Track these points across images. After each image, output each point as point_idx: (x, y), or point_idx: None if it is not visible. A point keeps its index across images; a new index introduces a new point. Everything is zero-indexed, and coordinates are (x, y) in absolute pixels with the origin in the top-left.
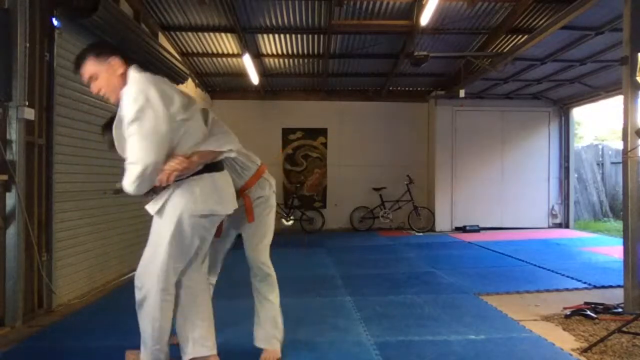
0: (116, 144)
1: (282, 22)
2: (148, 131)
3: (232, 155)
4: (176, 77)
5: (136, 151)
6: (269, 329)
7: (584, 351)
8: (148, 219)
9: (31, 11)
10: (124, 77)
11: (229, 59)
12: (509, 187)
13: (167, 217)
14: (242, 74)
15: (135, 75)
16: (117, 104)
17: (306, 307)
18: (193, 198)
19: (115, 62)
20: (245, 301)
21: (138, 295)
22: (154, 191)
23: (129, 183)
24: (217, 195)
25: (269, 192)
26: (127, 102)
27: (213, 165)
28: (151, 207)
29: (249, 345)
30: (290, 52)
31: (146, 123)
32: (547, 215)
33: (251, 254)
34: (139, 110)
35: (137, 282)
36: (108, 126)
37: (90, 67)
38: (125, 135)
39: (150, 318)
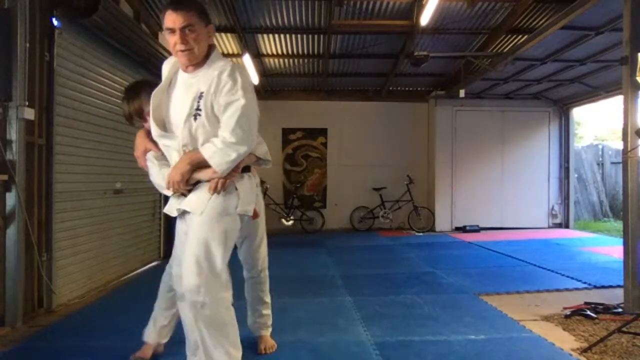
0: (176, 111)
1: (282, 22)
2: (255, 119)
3: (267, 161)
4: None
5: (241, 133)
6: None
7: (584, 351)
8: (148, 218)
9: (31, 11)
10: (209, 49)
11: (228, 59)
12: (509, 187)
13: (218, 216)
14: None
15: (225, 59)
16: (188, 65)
17: (306, 307)
18: (238, 198)
19: (211, 30)
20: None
21: (197, 303)
22: (188, 190)
23: (226, 162)
24: (252, 195)
25: (258, 190)
26: (236, 80)
27: (246, 166)
28: (195, 206)
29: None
30: (290, 52)
31: (254, 110)
32: (547, 215)
33: (254, 255)
34: (253, 95)
35: (193, 289)
36: (136, 91)
37: (193, 18)
38: (219, 110)
39: (224, 324)
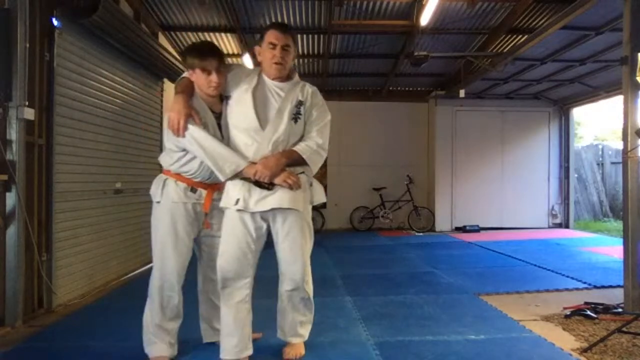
0: (277, 114)
1: (282, 22)
2: None
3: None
4: (176, 77)
5: (325, 141)
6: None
7: (584, 351)
8: (148, 218)
9: (31, 11)
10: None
11: (229, 59)
12: (509, 187)
13: (307, 210)
14: None
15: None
16: (277, 76)
17: None
18: (312, 192)
19: (295, 56)
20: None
21: (309, 290)
22: (266, 187)
23: (318, 161)
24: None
25: None
26: (322, 99)
27: None
28: (295, 202)
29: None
30: None
31: None
32: (547, 215)
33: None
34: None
35: (303, 278)
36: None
37: (291, 41)
38: (310, 119)
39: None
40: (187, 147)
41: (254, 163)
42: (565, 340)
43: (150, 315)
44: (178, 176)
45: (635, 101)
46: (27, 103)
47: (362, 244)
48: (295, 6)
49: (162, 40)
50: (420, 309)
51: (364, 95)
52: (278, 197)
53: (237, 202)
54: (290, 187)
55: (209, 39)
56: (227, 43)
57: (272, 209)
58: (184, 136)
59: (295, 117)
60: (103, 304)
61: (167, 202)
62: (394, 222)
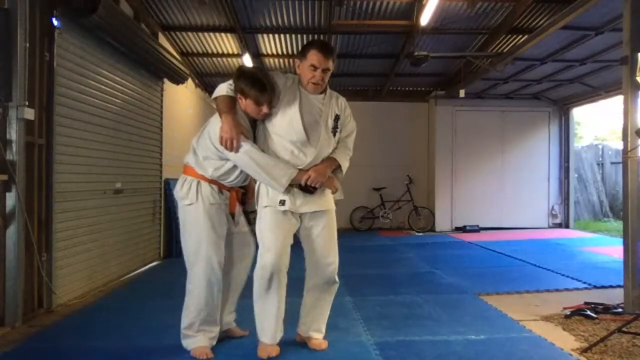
0: (324, 127)
1: (282, 22)
2: None
3: None
4: (176, 77)
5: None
6: None
7: (584, 351)
8: (148, 218)
9: (31, 11)
10: None
11: (229, 59)
12: (508, 187)
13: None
14: None
15: None
16: (314, 92)
17: None
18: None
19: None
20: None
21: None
22: (311, 191)
23: (346, 168)
24: None
25: None
26: (349, 110)
27: None
28: (330, 205)
29: None
30: (290, 52)
31: None
32: (547, 215)
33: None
34: None
35: (337, 269)
36: (272, 88)
37: (331, 64)
38: (341, 134)
39: None
40: (236, 162)
41: (301, 169)
42: (565, 340)
43: (197, 313)
44: (213, 181)
45: (635, 101)
46: (27, 103)
47: (362, 244)
48: (295, 6)
49: (162, 40)
50: (420, 309)
51: (364, 95)
52: (319, 200)
53: (282, 202)
54: (334, 192)
55: (209, 39)
56: (227, 43)
57: (314, 211)
58: (237, 152)
59: (334, 130)
60: (103, 304)
61: (205, 203)
62: (394, 222)
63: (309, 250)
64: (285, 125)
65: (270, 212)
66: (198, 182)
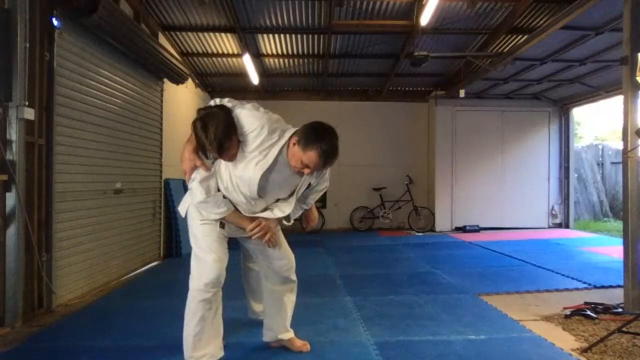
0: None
1: (282, 22)
2: None
3: None
4: (176, 77)
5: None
6: None
7: (584, 351)
8: (148, 218)
9: (31, 11)
10: None
11: (229, 59)
12: (509, 187)
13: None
14: (242, 74)
15: None
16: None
17: (306, 307)
18: None
19: None
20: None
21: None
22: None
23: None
24: None
25: None
26: (328, 171)
27: None
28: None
29: None
30: (290, 52)
31: None
32: (547, 215)
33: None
34: None
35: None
36: (229, 131)
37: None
38: (316, 189)
39: None
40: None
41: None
42: (565, 340)
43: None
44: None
45: (635, 101)
46: (27, 103)
47: (362, 244)
48: (295, 6)
49: (162, 40)
50: (420, 309)
51: (364, 95)
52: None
53: (222, 225)
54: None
55: (209, 39)
56: (227, 43)
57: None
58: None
59: (302, 195)
60: (103, 304)
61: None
62: (394, 222)
63: (260, 254)
64: (244, 178)
65: (209, 226)
66: None
